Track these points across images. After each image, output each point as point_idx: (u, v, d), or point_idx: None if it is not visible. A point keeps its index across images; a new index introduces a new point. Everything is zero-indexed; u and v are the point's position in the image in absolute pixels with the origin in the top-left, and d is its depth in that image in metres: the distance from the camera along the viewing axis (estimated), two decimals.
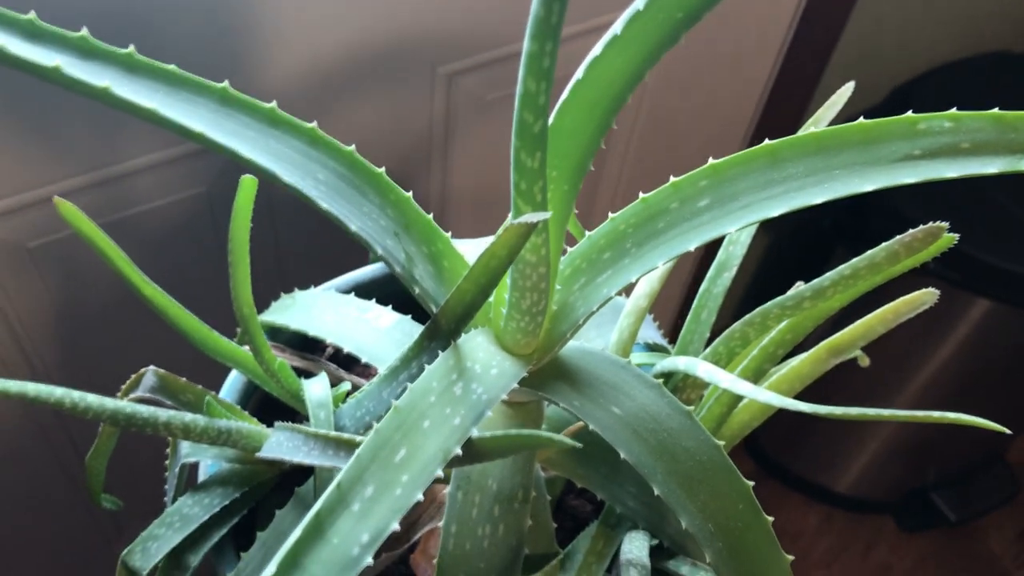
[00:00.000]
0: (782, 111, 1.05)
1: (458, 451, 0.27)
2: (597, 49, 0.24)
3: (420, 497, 0.26)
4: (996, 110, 0.27)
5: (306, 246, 0.73)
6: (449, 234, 0.32)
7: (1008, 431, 0.29)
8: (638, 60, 0.24)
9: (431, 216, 0.31)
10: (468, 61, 0.69)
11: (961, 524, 1.39)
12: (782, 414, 1.29)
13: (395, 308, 0.44)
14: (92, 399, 0.32)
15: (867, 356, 0.46)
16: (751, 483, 0.31)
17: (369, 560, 0.24)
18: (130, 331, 0.66)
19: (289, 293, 0.48)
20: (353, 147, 0.29)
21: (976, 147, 0.27)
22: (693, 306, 0.43)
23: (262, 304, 0.48)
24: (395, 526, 0.24)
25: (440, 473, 0.27)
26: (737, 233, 0.43)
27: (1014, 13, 1.21)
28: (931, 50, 1.18)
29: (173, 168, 0.60)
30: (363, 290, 0.47)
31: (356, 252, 0.47)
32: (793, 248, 1.23)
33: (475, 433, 0.28)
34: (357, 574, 0.23)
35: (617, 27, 0.23)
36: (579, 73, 0.25)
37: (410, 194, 0.31)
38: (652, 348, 0.45)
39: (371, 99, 0.68)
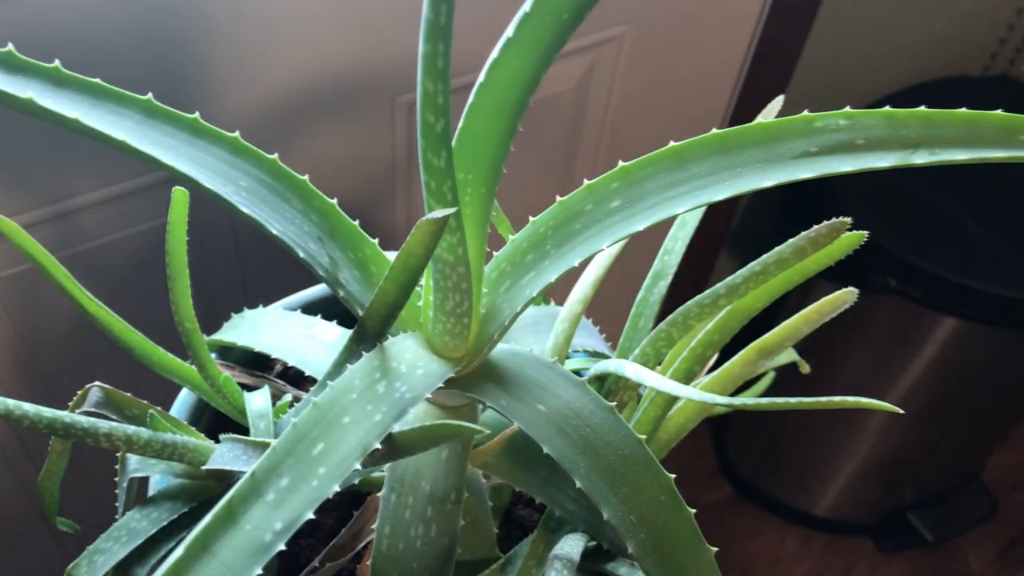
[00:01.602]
0: (747, 122, 1.08)
1: (378, 445, 0.28)
2: (495, 52, 0.25)
3: (338, 488, 0.26)
4: (888, 108, 0.29)
5: (270, 267, 0.73)
6: (376, 241, 0.33)
7: (900, 411, 0.30)
8: (533, 61, 0.25)
9: (357, 223, 0.32)
10: None
11: (939, 543, 1.39)
12: (758, 438, 1.31)
13: (340, 324, 0.45)
14: (29, 407, 0.32)
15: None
16: (673, 475, 0.32)
17: (281, 546, 0.24)
18: (94, 355, 0.67)
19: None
20: (276, 156, 0.30)
21: (870, 143, 0.29)
22: (631, 314, 0.44)
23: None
24: (310, 515, 0.25)
25: (359, 467, 0.27)
26: (672, 243, 0.44)
27: (970, 39, 1.24)
28: (889, 76, 1.21)
29: (130, 200, 0.61)
30: (312, 308, 0.48)
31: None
32: None
33: (397, 429, 0.29)
34: (269, 559, 0.24)
35: (510, 30, 0.24)
36: (481, 77, 0.26)
37: (335, 201, 0.32)
38: (593, 355, 0.46)
39: (332, 129, 0.69)
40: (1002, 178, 1.11)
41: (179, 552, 0.23)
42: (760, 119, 0.45)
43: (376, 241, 0.33)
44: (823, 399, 0.30)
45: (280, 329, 0.45)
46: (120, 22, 0.53)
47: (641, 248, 0.50)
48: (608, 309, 0.59)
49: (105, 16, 0.52)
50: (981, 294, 1.03)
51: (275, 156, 0.30)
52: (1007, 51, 1.27)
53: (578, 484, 0.31)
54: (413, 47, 0.69)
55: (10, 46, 0.27)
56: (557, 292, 0.43)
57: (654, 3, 0.81)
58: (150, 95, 0.28)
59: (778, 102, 0.46)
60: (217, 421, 0.47)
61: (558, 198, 0.32)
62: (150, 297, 0.67)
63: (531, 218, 0.33)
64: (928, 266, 1.03)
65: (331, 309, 0.47)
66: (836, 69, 1.14)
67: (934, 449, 1.33)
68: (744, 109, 1.00)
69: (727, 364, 0.39)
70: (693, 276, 1.18)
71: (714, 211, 0.44)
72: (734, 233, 1.25)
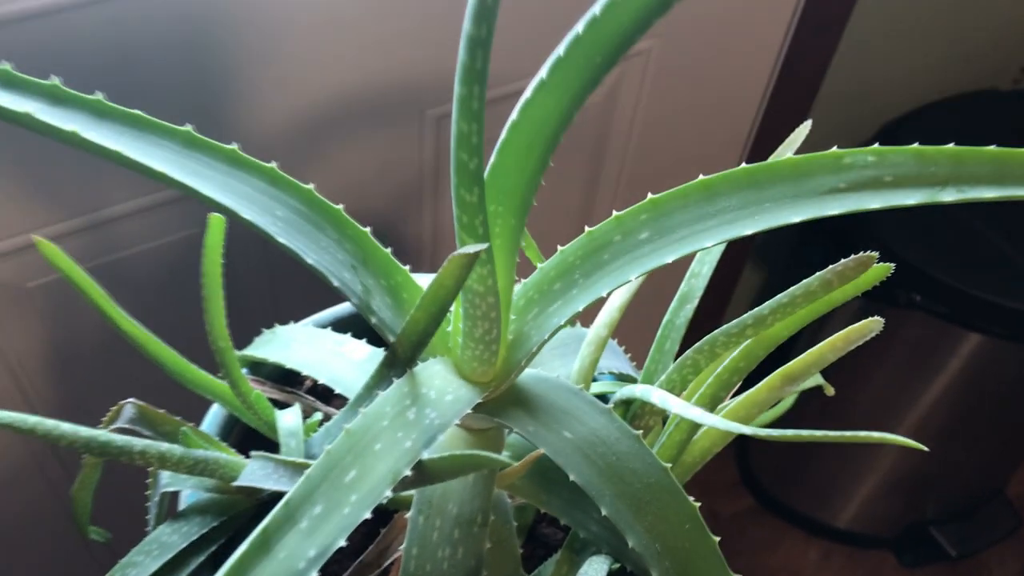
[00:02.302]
0: (769, 147, 1.08)
1: (408, 472, 0.28)
2: (528, 92, 0.26)
3: (369, 515, 0.27)
4: (917, 145, 0.29)
5: (300, 283, 0.74)
6: (408, 267, 0.34)
7: (925, 448, 0.30)
8: (566, 101, 0.25)
9: (390, 251, 0.33)
10: None
11: (962, 559, 1.39)
12: (780, 449, 1.31)
13: (370, 342, 0.45)
14: (66, 427, 0.33)
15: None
16: (698, 503, 0.32)
17: (315, 574, 0.25)
18: (125, 367, 0.68)
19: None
20: (312, 186, 0.31)
21: (898, 180, 0.29)
22: (657, 337, 0.44)
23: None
24: (342, 543, 0.26)
25: (389, 494, 0.28)
26: (699, 267, 0.44)
27: (999, 52, 1.23)
28: (919, 87, 1.20)
29: (163, 211, 0.62)
30: (342, 325, 0.48)
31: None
32: (786, 285, 1.24)
33: (426, 455, 0.29)
34: None
35: (543, 72, 0.25)
36: (514, 115, 0.27)
37: (368, 229, 0.32)
38: (621, 378, 0.46)
39: (361, 143, 0.70)
40: None
41: None
42: (787, 145, 0.45)
43: (407, 268, 0.33)
44: (847, 433, 0.30)
45: (311, 346, 0.45)
46: (152, 37, 0.53)
47: (667, 267, 0.50)
48: (633, 328, 0.59)
49: (137, 30, 0.53)
50: (1006, 310, 1.02)
51: (311, 186, 0.31)
52: None
53: (603, 512, 0.31)
54: (441, 62, 0.70)
55: (55, 79, 0.28)
56: (584, 313, 0.43)
57: (682, 17, 0.82)
58: (189, 127, 0.29)
59: (805, 127, 0.46)
60: (246, 435, 0.48)
61: (586, 228, 0.32)
62: (177, 306, 0.69)
63: (559, 247, 0.33)
64: (953, 282, 1.02)
65: (360, 326, 0.48)
66: (864, 81, 1.13)
67: (958, 464, 1.32)
68: (771, 123, 1.00)
69: (752, 390, 0.39)
70: (717, 291, 1.18)
71: None
72: (758, 243, 1.25)
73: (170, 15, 0.53)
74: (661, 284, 0.56)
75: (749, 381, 0.40)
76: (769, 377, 0.39)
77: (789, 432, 0.31)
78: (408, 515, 0.35)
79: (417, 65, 0.67)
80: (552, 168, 0.28)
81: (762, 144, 1.01)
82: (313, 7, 0.59)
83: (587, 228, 0.32)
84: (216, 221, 0.32)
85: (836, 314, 0.37)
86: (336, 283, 0.31)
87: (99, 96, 0.28)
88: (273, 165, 0.30)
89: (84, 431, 0.34)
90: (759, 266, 1.27)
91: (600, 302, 0.42)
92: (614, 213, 0.31)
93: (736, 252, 1.15)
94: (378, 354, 0.44)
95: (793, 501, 1.42)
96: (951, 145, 0.29)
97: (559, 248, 0.33)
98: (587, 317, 0.47)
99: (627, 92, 0.84)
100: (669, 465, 0.32)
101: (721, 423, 0.32)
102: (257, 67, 0.59)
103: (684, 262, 0.45)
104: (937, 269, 1.02)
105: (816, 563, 1.40)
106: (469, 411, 0.32)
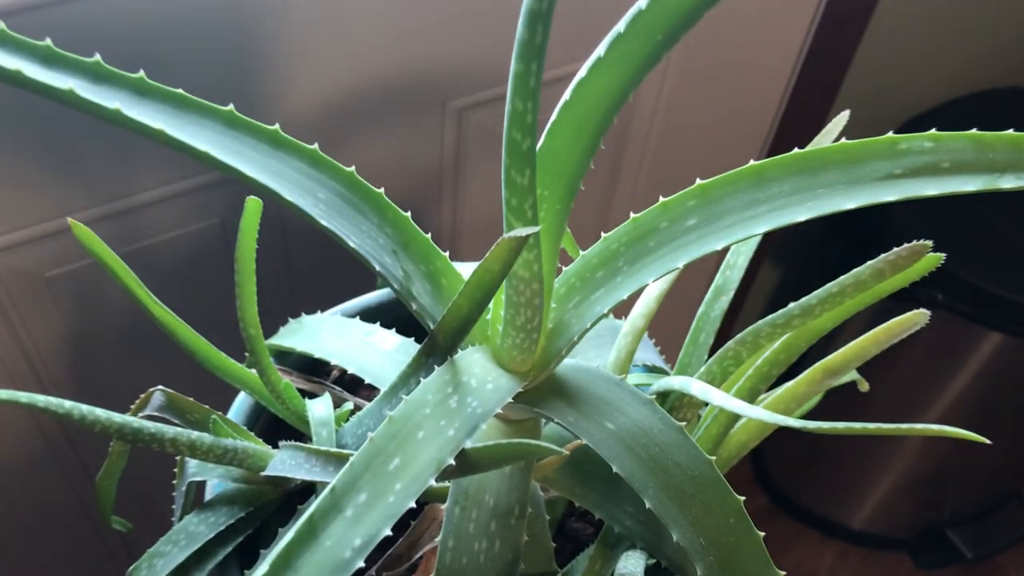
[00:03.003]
0: (789, 142, 1.07)
1: (451, 461, 0.28)
2: (583, 71, 0.25)
3: (413, 504, 0.26)
4: (975, 131, 0.28)
5: (318, 272, 0.74)
6: (447, 253, 0.33)
7: (988, 441, 0.29)
8: (622, 81, 0.25)
9: (429, 236, 0.32)
10: (477, 96, 0.71)
11: (978, 561, 1.38)
12: (795, 448, 1.30)
13: (399, 332, 0.45)
14: (100, 412, 0.33)
15: (868, 383, 0.46)
16: (743, 497, 0.32)
17: (360, 563, 0.24)
18: (142, 356, 0.68)
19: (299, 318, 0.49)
20: (353, 168, 0.30)
21: (956, 166, 0.28)
22: (691, 329, 0.43)
23: (275, 329, 0.49)
24: (387, 532, 0.25)
25: (433, 483, 0.27)
26: (734, 258, 0.44)
27: (1020, 50, 1.22)
28: (940, 85, 1.19)
29: (187, 199, 0.62)
30: (369, 314, 0.48)
31: (365, 277, 0.48)
32: (803, 282, 1.23)
33: (468, 444, 0.29)
34: None
35: (600, 49, 0.24)
36: (567, 95, 0.26)
37: (408, 214, 0.32)
38: (651, 370, 0.45)
39: (382, 134, 0.69)
40: None
41: (264, 569, 0.23)
42: (825, 135, 0.44)
43: (448, 253, 0.33)
44: (888, 426, 0.29)
45: (339, 336, 0.45)
46: (179, 26, 0.53)
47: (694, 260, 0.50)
48: (660, 322, 0.58)
49: (164, 20, 0.52)
50: None
51: (352, 169, 0.30)
52: None
53: (648, 504, 0.31)
54: (463, 54, 0.69)
55: (97, 56, 0.27)
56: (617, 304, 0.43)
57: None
58: (231, 106, 0.28)
59: (844, 116, 0.45)
60: (272, 425, 0.48)
61: (632, 215, 0.32)
62: (201, 294, 0.68)
63: (603, 234, 0.32)
64: (975, 280, 1.01)
65: (388, 315, 0.47)
66: (885, 79, 1.12)
67: (975, 465, 1.31)
68: (792, 120, 0.99)
69: (792, 383, 0.38)
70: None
71: None
72: (776, 242, 1.24)
73: (197, 6, 0.52)
74: (688, 276, 0.55)
75: (781, 378, 0.40)
76: (809, 370, 0.38)
77: (840, 425, 0.30)
78: (442, 507, 0.35)
79: (438, 57, 0.67)
80: None
81: (783, 140, 1.00)
82: (337, 1, 0.58)
83: (602, 233, 0.32)
84: (253, 204, 0.32)
85: (856, 315, 0.37)
86: (378, 267, 0.30)
87: (141, 74, 0.27)
88: (315, 146, 0.30)
89: (118, 417, 0.33)
90: (777, 265, 1.27)
91: (633, 296, 0.42)
92: (660, 199, 0.31)
93: (756, 252, 1.14)
94: (408, 344, 0.44)
95: (808, 501, 1.42)
96: (1010, 131, 0.28)
97: (602, 235, 0.32)
98: (619, 309, 0.47)
99: (647, 89, 0.83)
100: (713, 458, 0.32)
101: (767, 415, 0.32)
102: (279, 58, 0.59)
103: (713, 255, 0.45)
104: (959, 267, 1.01)
105: (831, 564, 1.39)
106: (509, 400, 0.31)
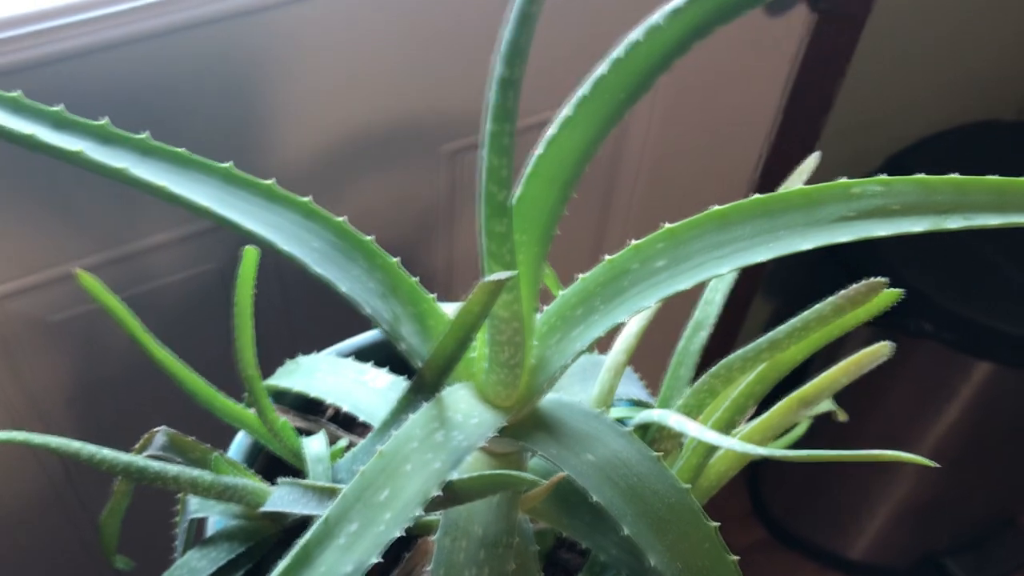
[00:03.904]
0: (778, 172, 1.09)
1: (438, 492, 0.29)
2: (553, 128, 0.27)
3: (402, 533, 0.28)
4: (921, 175, 0.30)
5: (315, 315, 0.76)
6: (434, 296, 0.35)
7: (934, 464, 0.31)
8: (589, 136, 0.27)
9: (417, 280, 0.34)
10: (470, 139, 0.73)
11: None
12: (792, 480, 1.31)
13: (391, 371, 0.46)
14: (107, 452, 0.34)
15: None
16: (716, 523, 0.33)
17: None
18: (144, 397, 0.69)
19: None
20: (345, 218, 0.32)
21: (905, 208, 0.30)
22: (671, 363, 0.45)
23: (274, 370, 0.51)
24: (377, 558, 0.27)
25: (420, 512, 0.29)
26: (712, 294, 0.46)
27: (1003, 82, 1.25)
28: (925, 119, 1.22)
29: (187, 245, 0.64)
30: (362, 354, 0.50)
31: (360, 319, 0.50)
32: (796, 315, 1.25)
33: (455, 476, 0.31)
34: None
35: (568, 109, 0.26)
36: (540, 149, 0.28)
37: (398, 260, 0.34)
38: (636, 403, 0.47)
39: (377, 178, 0.72)
40: None
41: None
42: (796, 176, 0.47)
43: (434, 296, 0.35)
44: (861, 452, 0.31)
45: (334, 375, 0.47)
46: (175, 75, 0.55)
47: (679, 296, 0.52)
48: (647, 354, 0.60)
49: (160, 69, 0.54)
50: (1017, 338, 1.03)
51: (343, 219, 0.32)
52: None
53: (625, 531, 0.32)
54: (458, 99, 0.71)
55: (105, 119, 0.29)
56: (601, 340, 0.44)
57: (689, 52, 0.83)
58: (230, 163, 0.31)
59: (814, 158, 0.47)
60: (270, 463, 0.49)
61: (606, 257, 0.34)
62: (200, 336, 0.70)
63: (579, 275, 0.34)
64: (964, 310, 1.03)
65: (381, 355, 0.49)
66: (871, 113, 1.15)
67: (970, 493, 1.32)
68: (779, 155, 1.02)
69: (767, 414, 0.40)
70: (728, 321, 1.19)
71: None
72: (768, 274, 1.26)
73: (192, 53, 0.55)
74: (673, 312, 0.57)
75: (762, 407, 0.41)
76: (783, 401, 0.40)
77: (803, 452, 0.32)
78: (432, 538, 0.36)
79: (431, 102, 0.69)
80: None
81: (770, 175, 1.02)
82: (332, 46, 0.61)
83: (605, 257, 0.34)
84: (250, 254, 0.34)
85: (848, 342, 0.39)
86: (368, 310, 0.32)
87: (145, 135, 0.30)
88: (308, 199, 0.32)
89: (124, 456, 0.35)
90: (770, 297, 1.29)
91: (616, 330, 0.44)
92: (631, 242, 0.33)
93: (747, 282, 1.16)
94: (399, 382, 0.45)
95: (805, 532, 1.42)
96: (954, 175, 0.30)
97: (579, 276, 0.34)
98: (603, 344, 0.49)
99: (636, 126, 0.86)
100: (688, 487, 0.34)
101: (738, 445, 0.33)
102: (275, 112, 0.61)
103: (696, 291, 0.47)
104: (947, 297, 1.03)
105: None
106: (493, 434, 0.33)
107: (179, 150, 0.30)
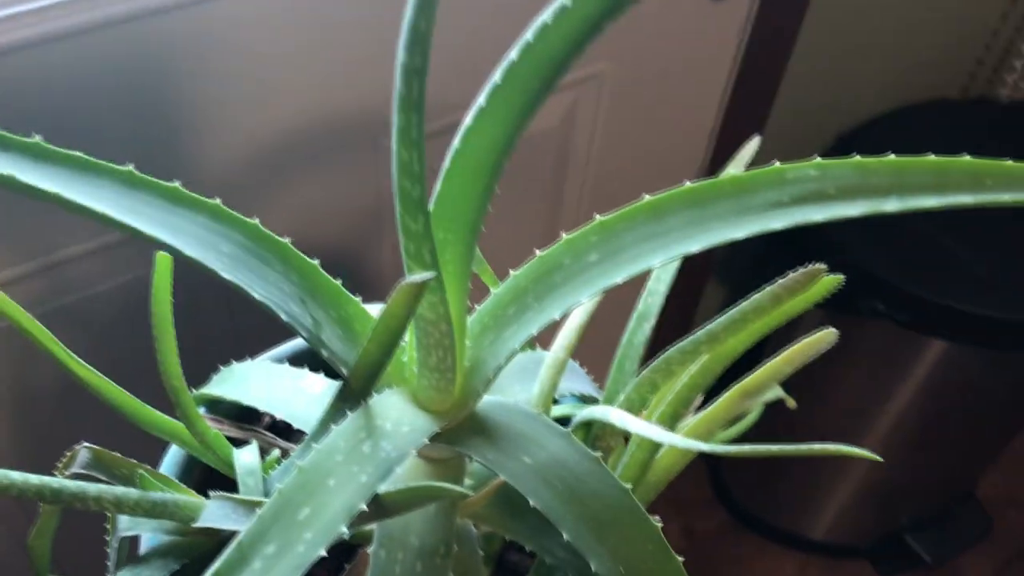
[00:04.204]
0: (729, 158, 1.09)
1: (364, 507, 0.28)
2: (468, 119, 0.26)
3: (323, 553, 0.26)
4: (857, 157, 0.29)
5: (262, 318, 0.74)
6: (360, 298, 0.33)
7: (879, 459, 0.30)
8: (507, 127, 0.25)
9: (339, 282, 0.33)
10: None
11: (938, 564, 1.39)
12: (753, 463, 1.31)
13: (328, 375, 0.45)
14: (16, 476, 0.32)
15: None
16: (660, 524, 0.32)
17: None
18: (77, 411, 0.67)
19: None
20: (257, 220, 0.31)
21: (841, 192, 0.29)
22: (616, 357, 0.44)
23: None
24: None
25: (346, 530, 0.27)
26: (655, 284, 0.45)
27: (948, 62, 1.25)
28: (870, 100, 1.22)
29: (111, 253, 0.62)
30: (298, 359, 0.48)
31: None
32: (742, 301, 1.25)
33: (384, 489, 0.29)
34: None
35: (481, 99, 0.25)
36: (456, 142, 0.27)
37: (317, 262, 0.32)
38: (582, 399, 0.46)
39: (316, 175, 0.70)
40: None
41: None
42: (736, 162, 0.46)
43: (359, 299, 0.33)
44: (804, 447, 0.30)
45: (268, 382, 0.45)
46: (95, 75, 0.53)
47: (627, 286, 0.50)
48: (595, 348, 0.59)
49: (79, 68, 0.52)
50: (968, 315, 1.04)
51: (256, 220, 0.30)
52: (985, 71, 1.29)
53: (565, 536, 0.31)
54: (391, 90, 0.70)
55: None
56: (544, 335, 0.43)
57: (634, 39, 0.82)
58: (131, 166, 0.29)
59: (754, 143, 0.46)
60: (207, 475, 0.47)
61: (537, 252, 0.32)
62: (134, 347, 0.68)
63: (511, 272, 0.33)
64: (915, 290, 1.03)
65: (318, 359, 0.47)
66: (816, 96, 1.15)
67: (928, 470, 1.33)
68: (728, 138, 1.01)
69: (711, 407, 0.39)
70: (680, 307, 1.18)
71: None
72: (721, 258, 1.25)
73: (117, 50, 0.52)
74: (621, 305, 0.56)
75: (713, 395, 0.40)
76: (727, 393, 0.39)
77: (746, 447, 0.31)
78: (371, 551, 0.35)
79: (368, 95, 0.67)
80: (513, 193, 0.28)
81: (721, 158, 1.02)
82: (265, 39, 0.59)
83: (538, 252, 0.32)
84: (163, 260, 0.32)
85: (802, 324, 0.38)
86: (285, 317, 0.30)
87: (37, 139, 0.28)
88: (217, 201, 0.30)
89: (34, 479, 0.33)
90: (722, 283, 1.28)
91: (556, 326, 0.43)
92: (563, 236, 0.31)
93: (697, 269, 1.16)
94: (336, 387, 0.44)
95: (768, 515, 1.43)
96: (891, 156, 0.29)
97: (511, 272, 0.33)
98: (546, 339, 0.47)
99: (583, 116, 0.85)
100: (630, 486, 0.32)
101: (679, 441, 0.32)
102: (210, 99, 0.59)
103: (641, 281, 0.46)
104: (899, 278, 1.03)
105: (793, 575, 1.40)
106: (426, 441, 0.31)
107: (75, 153, 0.28)
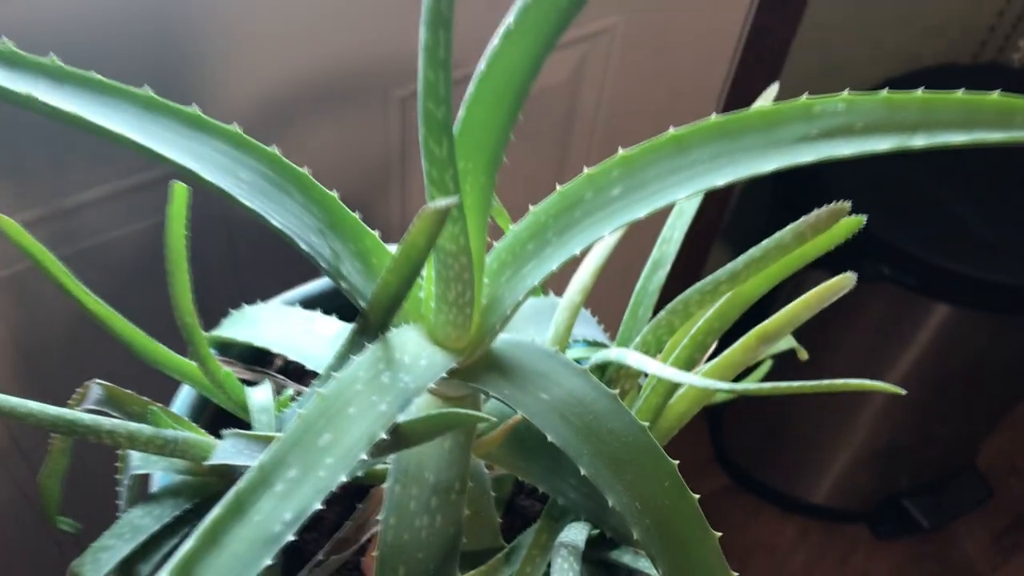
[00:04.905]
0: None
1: (384, 435, 0.28)
2: (495, 41, 0.25)
3: (344, 479, 0.26)
4: (886, 92, 0.29)
5: (264, 263, 0.73)
6: (377, 233, 0.33)
7: (902, 391, 0.30)
8: (534, 49, 0.25)
9: (358, 215, 0.32)
10: None
11: (935, 530, 1.40)
12: (753, 425, 1.31)
13: (340, 319, 0.45)
14: (33, 405, 0.32)
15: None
16: (676, 461, 0.32)
17: (291, 536, 0.24)
18: (86, 357, 0.67)
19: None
20: (276, 148, 0.30)
21: (869, 127, 0.29)
22: (630, 303, 0.44)
23: (221, 323, 0.49)
24: (318, 506, 0.25)
25: (365, 457, 0.27)
26: (670, 232, 0.44)
27: (959, 27, 1.24)
28: (880, 64, 1.21)
29: (126, 199, 0.61)
30: (310, 303, 0.48)
31: (312, 269, 0.48)
32: None
33: (402, 419, 0.29)
34: (278, 550, 0.24)
35: (510, 19, 0.24)
36: (481, 66, 0.26)
37: (335, 193, 0.32)
38: (592, 344, 0.46)
39: (325, 125, 0.69)
40: (994, 163, 1.11)
41: (189, 544, 0.23)
42: (756, 106, 0.45)
43: (377, 233, 0.33)
44: (825, 382, 0.30)
45: (280, 324, 0.45)
46: (113, 18, 0.52)
47: (635, 238, 0.50)
48: (604, 299, 0.59)
49: (99, 13, 0.52)
50: (974, 280, 1.03)
51: (275, 148, 0.30)
52: (996, 38, 1.28)
53: (583, 471, 0.31)
54: (405, 41, 0.69)
55: (8, 41, 0.27)
56: (555, 283, 0.43)
57: None
58: (149, 89, 0.28)
59: (773, 89, 0.46)
60: (218, 417, 0.47)
61: (558, 187, 0.32)
62: (151, 295, 0.67)
63: (531, 207, 0.33)
64: (921, 253, 1.03)
65: (329, 303, 0.47)
66: (826, 59, 1.14)
67: (929, 436, 1.33)
68: (736, 99, 1.00)
69: (728, 351, 0.39)
70: (688, 266, 1.18)
71: (709, 200, 0.44)
72: (726, 224, 1.25)
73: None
74: (628, 255, 0.56)
75: (721, 346, 0.40)
76: (744, 337, 0.39)
77: (767, 385, 0.31)
78: (384, 486, 0.35)
79: (379, 45, 0.67)
80: (521, 143, 0.28)
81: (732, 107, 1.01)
82: None
83: (558, 187, 0.32)
84: (179, 190, 0.32)
85: (804, 286, 0.37)
86: (304, 247, 0.30)
87: (53, 58, 0.27)
88: (235, 127, 0.29)
89: (52, 409, 0.33)
90: (727, 245, 1.28)
91: (571, 271, 0.42)
92: (584, 170, 0.31)
93: (705, 229, 1.15)
94: (348, 329, 0.44)
95: (767, 478, 1.43)
96: (920, 91, 0.29)
97: (531, 208, 0.32)
98: (557, 287, 0.47)
99: (593, 70, 0.84)
100: (648, 424, 0.32)
101: (699, 381, 0.32)
102: (217, 49, 0.58)
103: (652, 230, 0.45)
104: (905, 241, 1.03)
105: (792, 539, 1.41)
106: (444, 376, 0.31)
107: (93, 75, 0.28)
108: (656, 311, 0.43)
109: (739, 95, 1.00)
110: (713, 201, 1.10)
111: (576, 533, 0.36)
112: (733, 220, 1.26)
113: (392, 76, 0.69)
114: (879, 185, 1.07)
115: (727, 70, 0.98)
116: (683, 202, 0.45)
